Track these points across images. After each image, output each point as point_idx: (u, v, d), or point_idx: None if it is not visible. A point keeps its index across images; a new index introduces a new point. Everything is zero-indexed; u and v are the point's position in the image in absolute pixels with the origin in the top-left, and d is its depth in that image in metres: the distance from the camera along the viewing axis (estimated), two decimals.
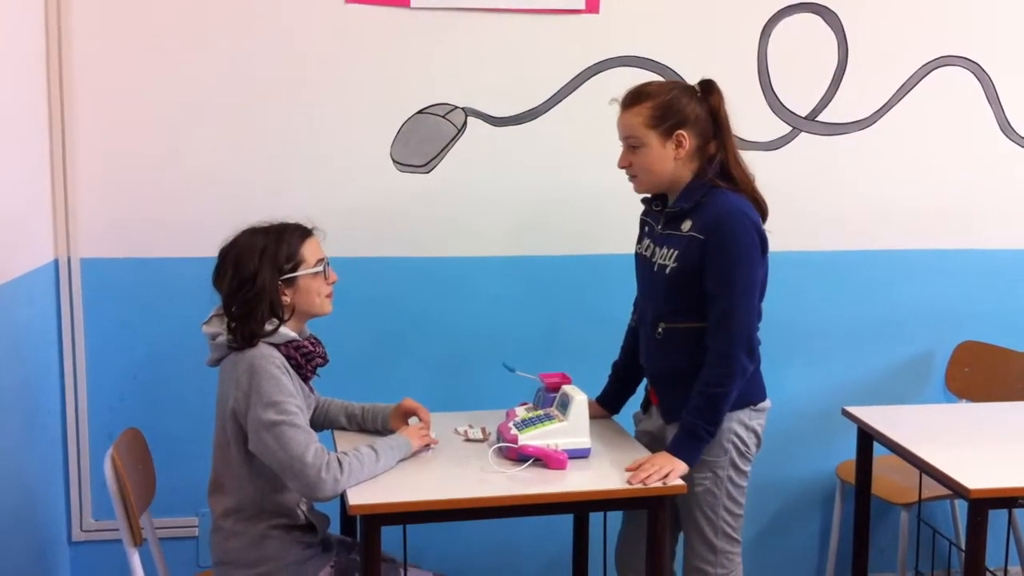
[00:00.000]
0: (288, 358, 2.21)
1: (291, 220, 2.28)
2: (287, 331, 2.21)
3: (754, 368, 2.33)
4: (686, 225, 2.30)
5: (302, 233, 2.26)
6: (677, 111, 2.28)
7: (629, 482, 2.17)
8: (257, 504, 2.20)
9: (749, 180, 2.33)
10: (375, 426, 2.43)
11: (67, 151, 2.81)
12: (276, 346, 2.20)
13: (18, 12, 2.63)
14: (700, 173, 2.31)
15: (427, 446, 2.31)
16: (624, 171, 2.37)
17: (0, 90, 2.48)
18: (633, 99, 2.32)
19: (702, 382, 2.26)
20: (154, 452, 2.48)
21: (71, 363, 2.88)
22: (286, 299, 2.22)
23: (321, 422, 2.46)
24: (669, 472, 2.19)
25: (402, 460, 2.24)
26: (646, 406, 2.55)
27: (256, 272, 2.17)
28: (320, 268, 2.26)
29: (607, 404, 2.63)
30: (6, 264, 2.51)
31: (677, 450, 2.25)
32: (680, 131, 2.27)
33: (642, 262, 2.45)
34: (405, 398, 2.42)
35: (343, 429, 2.46)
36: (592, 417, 2.35)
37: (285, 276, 2.21)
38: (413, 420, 2.39)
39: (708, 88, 2.33)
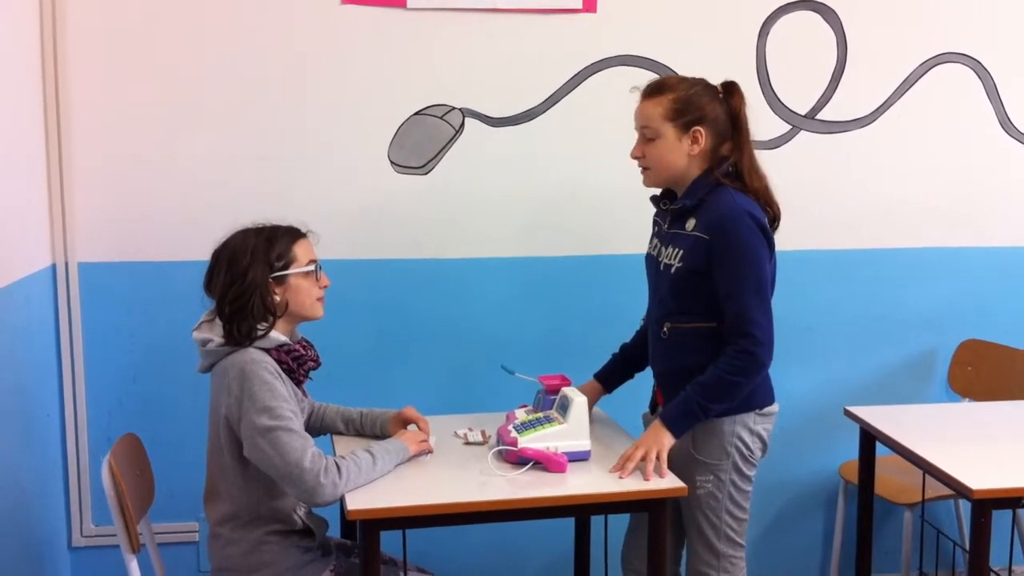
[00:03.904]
0: (279, 362, 2.20)
1: (284, 223, 2.28)
2: (278, 335, 2.20)
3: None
4: (690, 224, 2.28)
5: (294, 234, 2.26)
6: (697, 107, 2.27)
7: (620, 477, 2.17)
8: (253, 510, 2.19)
9: (764, 187, 2.31)
10: (373, 431, 2.42)
11: (64, 155, 2.80)
12: (267, 351, 2.19)
13: (13, 16, 2.62)
14: (708, 171, 2.29)
15: (423, 452, 2.30)
16: (637, 162, 2.35)
17: None
18: (655, 90, 2.31)
19: (720, 365, 2.23)
20: (153, 457, 2.47)
21: (69, 367, 2.88)
22: (277, 297, 2.21)
23: (317, 427, 2.45)
24: (656, 453, 2.18)
25: (399, 464, 2.23)
26: (653, 406, 2.53)
27: (247, 268, 2.17)
28: (311, 268, 2.25)
29: (602, 379, 2.60)
30: (3, 269, 2.50)
31: (666, 417, 2.25)
32: (697, 128, 2.26)
33: (650, 262, 2.45)
34: (407, 407, 2.41)
35: (340, 434, 2.45)
36: (583, 391, 2.34)
37: (276, 273, 2.20)
38: (412, 427, 2.38)
39: (730, 90, 2.32)
